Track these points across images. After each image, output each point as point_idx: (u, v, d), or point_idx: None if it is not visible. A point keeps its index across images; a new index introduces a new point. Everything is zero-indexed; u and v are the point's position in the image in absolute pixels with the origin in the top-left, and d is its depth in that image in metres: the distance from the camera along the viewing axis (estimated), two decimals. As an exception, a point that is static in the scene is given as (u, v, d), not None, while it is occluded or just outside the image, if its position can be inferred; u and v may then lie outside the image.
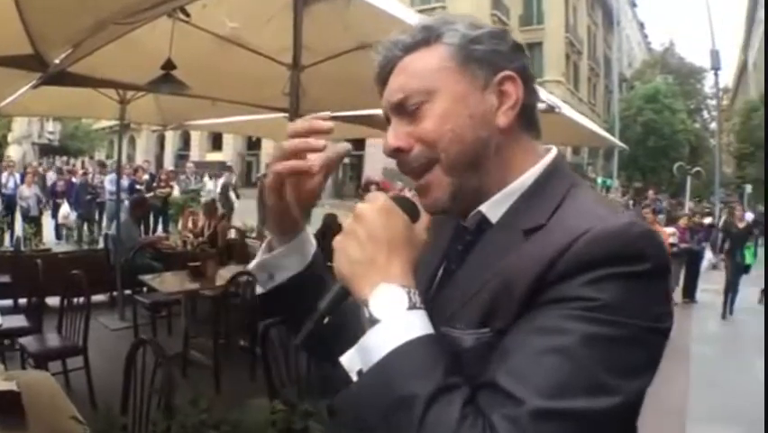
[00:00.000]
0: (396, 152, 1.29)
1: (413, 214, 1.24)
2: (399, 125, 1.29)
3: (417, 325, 1.06)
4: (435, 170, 1.26)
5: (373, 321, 1.07)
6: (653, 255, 1.05)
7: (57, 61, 5.93)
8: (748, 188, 44.38)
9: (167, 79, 6.51)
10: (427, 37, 1.28)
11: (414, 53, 1.28)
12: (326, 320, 1.17)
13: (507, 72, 1.26)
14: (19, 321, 6.97)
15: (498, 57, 1.27)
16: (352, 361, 1.08)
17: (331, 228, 11.22)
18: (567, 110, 7.65)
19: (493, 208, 1.27)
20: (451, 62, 1.25)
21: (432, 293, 1.28)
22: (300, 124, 1.32)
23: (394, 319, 1.06)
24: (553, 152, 1.34)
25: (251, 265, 1.48)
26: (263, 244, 1.48)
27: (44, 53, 5.75)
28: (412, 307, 1.08)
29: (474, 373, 1.05)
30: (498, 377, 1.01)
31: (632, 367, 1.01)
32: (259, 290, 1.47)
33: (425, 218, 1.28)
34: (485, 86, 1.25)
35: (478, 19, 1.34)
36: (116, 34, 5.03)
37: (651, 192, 33.42)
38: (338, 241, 1.20)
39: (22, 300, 8.15)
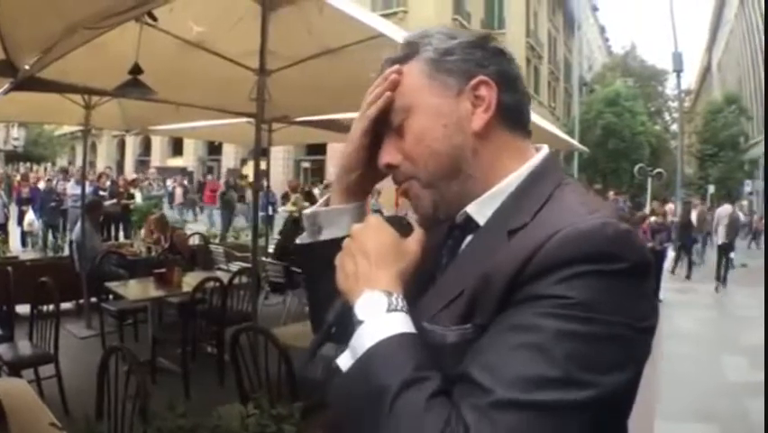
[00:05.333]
0: (387, 168, 1.38)
1: (403, 229, 1.33)
2: (389, 141, 1.37)
3: (394, 325, 1.13)
4: (416, 184, 1.35)
5: (358, 323, 1.15)
6: (628, 255, 1.07)
7: (26, 67, 5.89)
8: (711, 188, 45.01)
9: (134, 84, 6.47)
10: (408, 53, 1.36)
11: (401, 66, 1.35)
12: (333, 330, 1.25)
13: (481, 77, 1.30)
14: (-9, 330, 6.91)
15: (471, 64, 1.31)
16: (346, 360, 1.14)
17: (293, 229, 11.37)
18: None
19: (479, 209, 1.31)
20: (425, 77, 1.32)
21: (422, 292, 1.31)
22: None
23: (374, 320, 1.14)
24: (543, 151, 1.38)
25: (306, 212, 1.51)
26: (321, 199, 1.54)
27: (14, 58, 5.71)
28: (392, 309, 1.15)
29: (457, 366, 1.10)
30: (471, 369, 1.06)
31: (604, 363, 1.03)
32: (302, 239, 1.52)
33: (417, 232, 1.34)
34: (459, 93, 1.30)
35: (456, 30, 1.38)
36: (85, 39, 5.01)
37: (611, 193, 33.75)
38: (338, 258, 1.30)
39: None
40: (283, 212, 23.87)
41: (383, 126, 1.38)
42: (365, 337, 1.12)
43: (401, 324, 1.14)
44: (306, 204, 22.23)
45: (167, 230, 11.82)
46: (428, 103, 1.31)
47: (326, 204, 1.51)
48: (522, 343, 1.04)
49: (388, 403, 1.03)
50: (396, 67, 1.36)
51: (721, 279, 18.09)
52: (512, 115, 1.34)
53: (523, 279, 1.09)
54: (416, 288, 1.30)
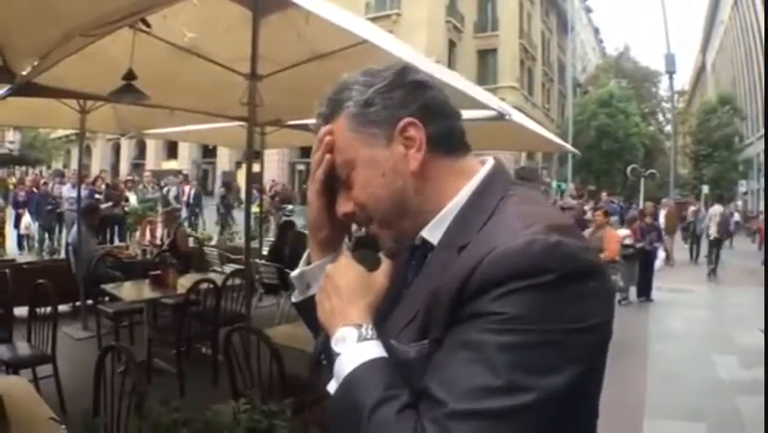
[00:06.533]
0: (345, 216, 1.51)
1: (372, 264, 1.48)
2: (342, 194, 1.49)
3: (364, 353, 1.29)
4: (375, 225, 1.47)
5: (336, 355, 1.32)
6: (555, 266, 1.16)
7: (24, 73, 5.99)
8: (705, 188, 45.06)
9: (128, 89, 6.58)
10: (333, 109, 1.46)
11: (331, 123, 1.46)
12: (323, 357, 1.44)
13: (406, 120, 1.39)
14: (-11, 331, 7.03)
15: (393, 109, 1.40)
16: (333, 386, 1.32)
17: (287, 232, 11.43)
18: (518, 117, 7.78)
19: (432, 232, 1.42)
20: (352, 132, 1.42)
21: (388, 312, 1.45)
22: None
23: (347, 352, 1.31)
24: (488, 165, 1.47)
25: (293, 274, 1.68)
26: (303, 256, 1.68)
27: (12, 64, 5.80)
28: (362, 339, 1.32)
29: (421, 379, 1.24)
30: (429, 385, 1.19)
31: (545, 367, 1.14)
32: (295, 298, 1.69)
33: (384, 264, 1.49)
34: (389, 140, 1.40)
35: (372, 72, 1.46)
36: (81, 45, 5.11)
37: (604, 194, 33.80)
38: (317, 296, 1.49)
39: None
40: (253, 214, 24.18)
41: (336, 181, 1.49)
42: (342, 366, 1.29)
43: (371, 351, 1.30)
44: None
45: (173, 225, 11.89)
46: (363, 155, 1.41)
47: (308, 262, 1.65)
48: (469, 358, 1.16)
49: (365, 420, 1.19)
50: (327, 128, 1.46)
51: (712, 271, 20.45)
52: (445, 142, 1.44)
53: (465, 296, 1.21)
54: (388, 306, 1.44)
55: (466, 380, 1.14)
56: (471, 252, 1.25)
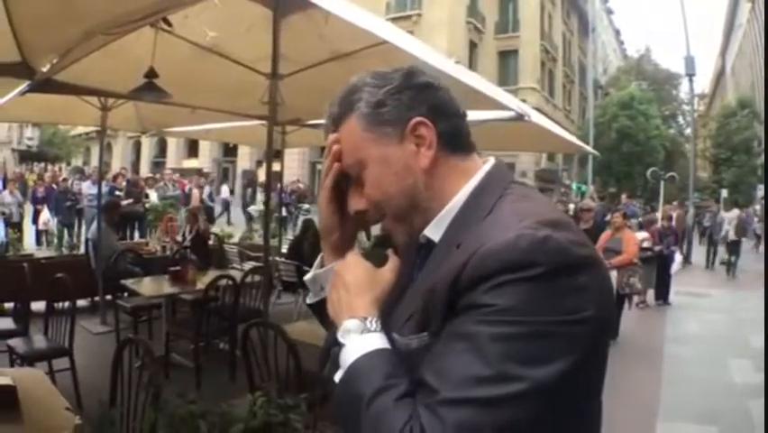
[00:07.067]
0: (357, 214, 1.57)
1: (379, 261, 1.55)
2: (354, 191, 1.55)
3: (368, 344, 1.36)
4: (388, 220, 1.54)
5: (341, 346, 1.38)
6: (544, 260, 1.20)
7: (44, 69, 6.06)
8: (724, 192, 44.70)
9: (149, 87, 6.66)
10: (344, 111, 1.51)
11: (342, 125, 1.52)
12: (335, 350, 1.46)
13: (417, 119, 1.45)
14: (6, 324, 7.14)
15: (404, 109, 1.46)
16: (339, 375, 1.37)
17: (309, 230, 11.47)
18: (537, 118, 7.78)
19: (434, 230, 1.49)
20: (365, 131, 1.47)
21: (394, 307, 1.51)
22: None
23: (351, 343, 1.37)
24: (488, 164, 1.53)
25: (306, 277, 1.75)
26: (317, 260, 1.74)
27: (32, 61, 5.88)
28: (365, 331, 1.38)
29: (420, 369, 1.30)
30: (425, 374, 1.25)
31: (535, 357, 1.17)
32: (310, 299, 1.77)
33: (392, 261, 1.57)
34: (401, 138, 1.46)
35: (382, 75, 1.52)
36: (102, 43, 5.17)
37: (624, 196, 33.66)
38: (327, 291, 1.59)
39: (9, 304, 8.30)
40: (254, 211, 24.37)
41: (346, 181, 1.56)
42: (346, 356, 1.36)
43: (374, 342, 1.36)
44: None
45: (196, 222, 11.98)
46: (375, 154, 1.47)
47: (321, 265, 1.72)
48: (462, 348, 1.21)
49: (364, 407, 1.25)
50: (335, 136, 1.53)
51: (732, 271, 21.59)
52: (453, 140, 1.50)
53: (459, 289, 1.26)
54: (394, 301, 1.50)
55: (458, 369, 1.20)
56: (466, 248, 1.30)
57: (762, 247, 30.54)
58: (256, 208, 24.58)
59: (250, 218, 26.76)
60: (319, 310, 1.68)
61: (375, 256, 1.56)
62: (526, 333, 1.18)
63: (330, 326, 1.54)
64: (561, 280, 1.22)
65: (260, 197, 24.65)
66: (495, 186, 1.47)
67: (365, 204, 1.52)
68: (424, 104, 1.47)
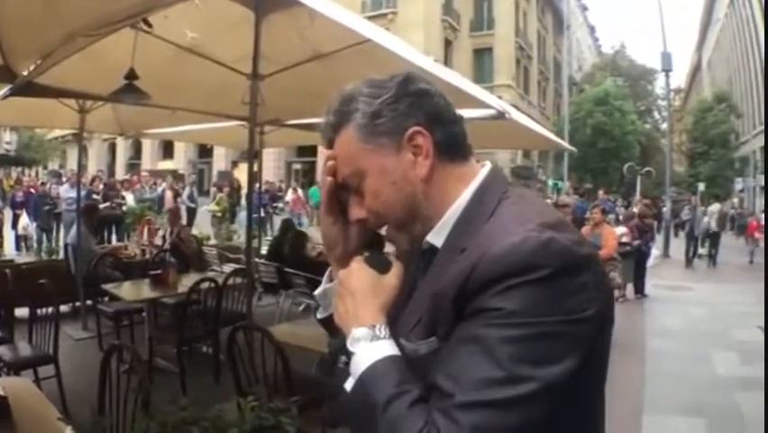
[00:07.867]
0: (358, 222, 1.58)
1: (383, 267, 1.53)
2: (354, 201, 1.56)
3: (378, 351, 1.36)
4: (389, 229, 1.57)
5: (351, 354, 1.38)
6: (549, 262, 1.23)
7: (25, 73, 6.00)
8: (701, 186, 45.10)
9: (129, 89, 6.59)
10: (341, 120, 1.52)
11: (339, 135, 1.53)
12: (343, 358, 1.45)
13: (413, 129, 1.46)
14: (-9, 331, 7.04)
15: (401, 119, 1.46)
16: (350, 383, 1.37)
17: (289, 231, 11.44)
18: (516, 115, 7.82)
19: (436, 236, 1.50)
20: (362, 143, 1.48)
21: (400, 313, 1.51)
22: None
23: (361, 351, 1.37)
24: (485, 169, 1.55)
25: (317, 292, 1.75)
26: (326, 274, 1.75)
27: (13, 64, 5.81)
28: (375, 339, 1.38)
29: (431, 374, 1.31)
30: (437, 379, 1.26)
31: (544, 357, 1.20)
32: (320, 314, 1.75)
33: (396, 267, 1.55)
34: (398, 149, 1.46)
35: (377, 83, 1.52)
36: (82, 45, 5.12)
37: (601, 192, 33.84)
38: (333, 300, 1.58)
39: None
40: (207, 211, 24.34)
41: (345, 192, 1.56)
42: (357, 365, 1.35)
43: (383, 349, 1.36)
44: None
45: (176, 223, 11.92)
46: (373, 165, 1.48)
47: (330, 279, 1.71)
48: (473, 352, 1.23)
49: (379, 415, 1.25)
50: (330, 153, 1.55)
51: (713, 261, 23.21)
52: (449, 148, 1.51)
53: (467, 295, 1.27)
54: (400, 307, 1.51)
55: (471, 372, 1.22)
56: (471, 253, 1.32)
57: (742, 239, 30.87)
58: (209, 208, 24.41)
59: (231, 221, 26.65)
60: (330, 325, 1.66)
61: (378, 263, 1.54)
62: (535, 334, 1.21)
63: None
64: (565, 280, 1.24)
65: (220, 196, 24.50)
66: (494, 190, 1.49)
67: (364, 213, 1.54)
68: (420, 112, 1.48)
